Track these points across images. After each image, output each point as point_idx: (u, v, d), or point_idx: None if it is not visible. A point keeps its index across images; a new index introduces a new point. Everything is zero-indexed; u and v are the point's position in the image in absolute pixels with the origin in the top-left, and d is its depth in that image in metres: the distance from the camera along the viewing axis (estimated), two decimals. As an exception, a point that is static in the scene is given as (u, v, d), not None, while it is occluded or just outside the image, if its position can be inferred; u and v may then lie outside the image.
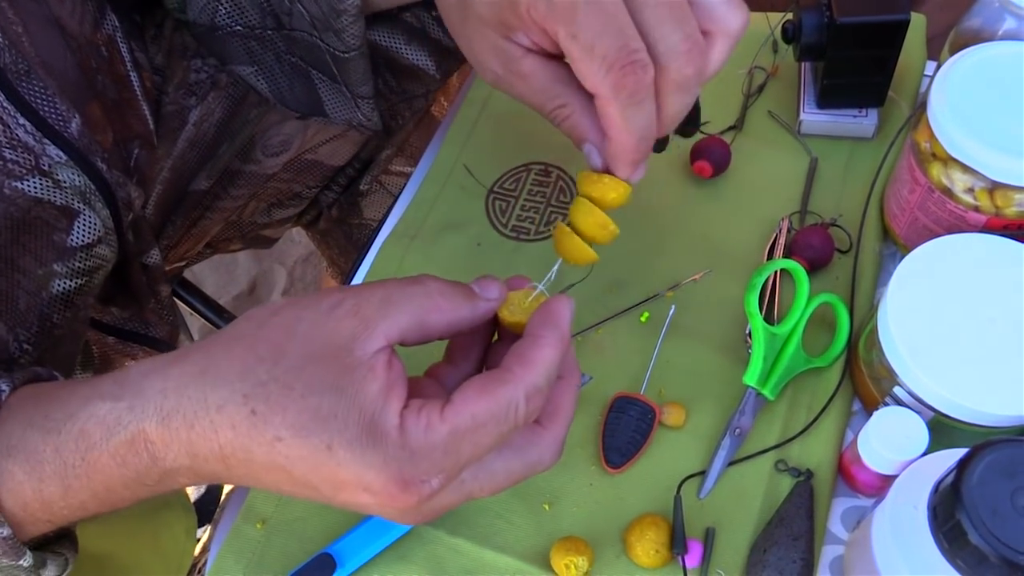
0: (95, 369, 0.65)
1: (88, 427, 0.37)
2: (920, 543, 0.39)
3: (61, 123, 0.49)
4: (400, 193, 0.67)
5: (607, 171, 0.44)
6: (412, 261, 0.61)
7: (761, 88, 0.67)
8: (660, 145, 0.51)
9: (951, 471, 0.38)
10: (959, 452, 0.39)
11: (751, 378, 0.52)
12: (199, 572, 1.16)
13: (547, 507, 0.52)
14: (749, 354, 0.53)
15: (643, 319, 0.57)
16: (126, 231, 0.57)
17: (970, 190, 0.51)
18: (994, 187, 0.50)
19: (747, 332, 0.55)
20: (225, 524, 0.54)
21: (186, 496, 0.84)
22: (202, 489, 1.32)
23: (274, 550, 0.52)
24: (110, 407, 0.37)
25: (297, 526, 0.53)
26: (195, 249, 0.80)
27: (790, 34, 0.61)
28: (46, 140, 0.48)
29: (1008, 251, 0.49)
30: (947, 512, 0.37)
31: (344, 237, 0.86)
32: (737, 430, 0.52)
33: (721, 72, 0.67)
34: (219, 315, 1.23)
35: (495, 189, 0.64)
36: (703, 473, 0.52)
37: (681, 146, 0.63)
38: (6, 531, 0.39)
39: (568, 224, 0.45)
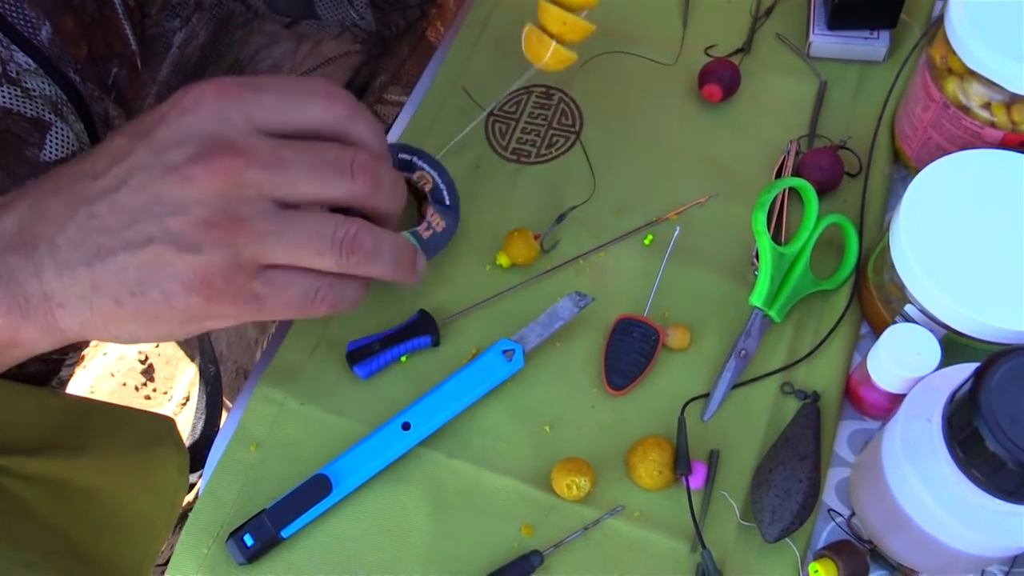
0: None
1: None
2: (932, 456, 0.39)
3: (30, 30, 0.47)
4: (395, 118, 0.65)
5: None
6: (409, 184, 0.60)
7: (770, 10, 0.65)
8: None
9: (967, 380, 0.37)
10: (971, 366, 0.38)
11: (758, 299, 0.51)
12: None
13: (548, 429, 0.51)
14: (755, 276, 0.52)
15: (647, 242, 0.56)
16: None
17: (987, 105, 0.49)
18: (1012, 101, 0.48)
19: (753, 254, 0.54)
20: (218, 447, 0.53)
21: (178, 434, 0.83)
22: (196, 433, 1.32)
23: (268, 473, 0.51)
24: None
25: (292, 449, 0.51)
26: None
27: (801, -50, 0.59)
28: (13, 46, 0.46)
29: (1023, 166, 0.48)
30: (963, 421, 0.36)
31: None
32: (743, 352, 0.51)
33: (729, -7, 0.65)
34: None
35: (495, 112, 0.62)
36: (707, 395, 0.51)
37: (689, 69, 0.62)
38: None
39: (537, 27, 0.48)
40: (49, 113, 0.48)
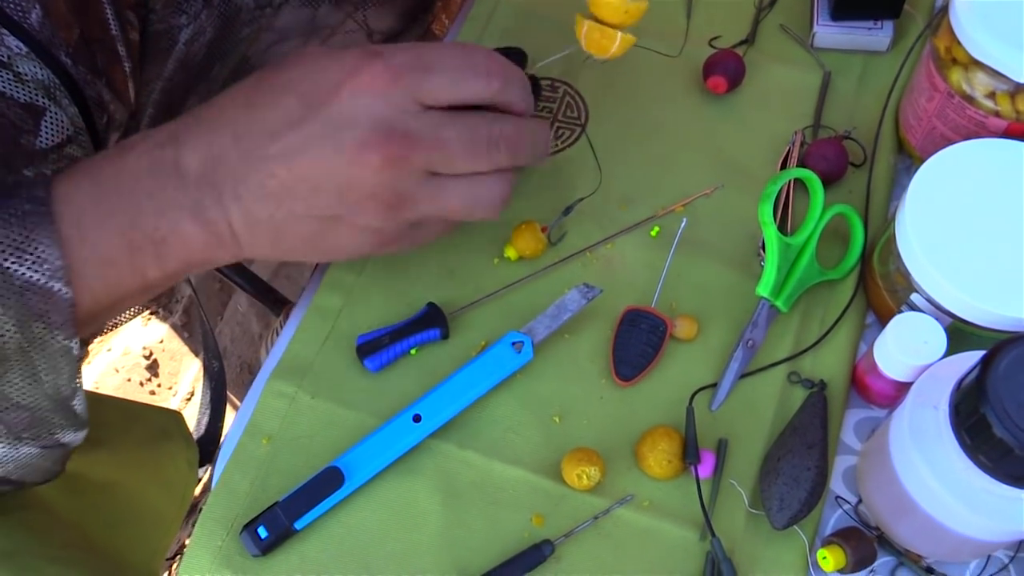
0: None
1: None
2: (940, 443, 0.39)
3: (20, 13, 0.46)
4: None
5: None
6: (416, 178, 0.60)
7: (773, 1, 0.65)
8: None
9: (975, 367, 0.37)
10: (978, 354, 0.38)
11: (764, 288, 0.51)
12: (199, 512, 1.17)
13: (557, 420, 0.51)
14: (762, 267, 0.52)
15: (653, 234, 0.56)
16: (104, 136, 0.55)
17: (991, 95, 0.49)
18: (1016, 91, 0.48)
19: (760, 245, 0.54)
20: (231, 441, 0.53)
21: (187, 428, 0.84)
22: (202, 428, 1.33)
23: (280, 465, 0.51)
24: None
25: (303, 442, 0.52)
26: None
27: (805, -59, 0.59)
28: (3, 30, 0.46)
29: (1029, 156, 0.48)
30: (970, 408, 0.37)
31: None
32: (750, 342, 0.52)
33: (733, -15, 0.65)
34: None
35: (500, 105, 0.63)
36: (715, 385, 0.51)
37: (693, 61, 0.62)
38: (68, 292, 0.41)
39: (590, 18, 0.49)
40: (42, 97, 0.48)
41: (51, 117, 0.49)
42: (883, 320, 0.52)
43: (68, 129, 0.50)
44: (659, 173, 0.59)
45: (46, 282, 0.40)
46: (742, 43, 0.64)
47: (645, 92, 0.62)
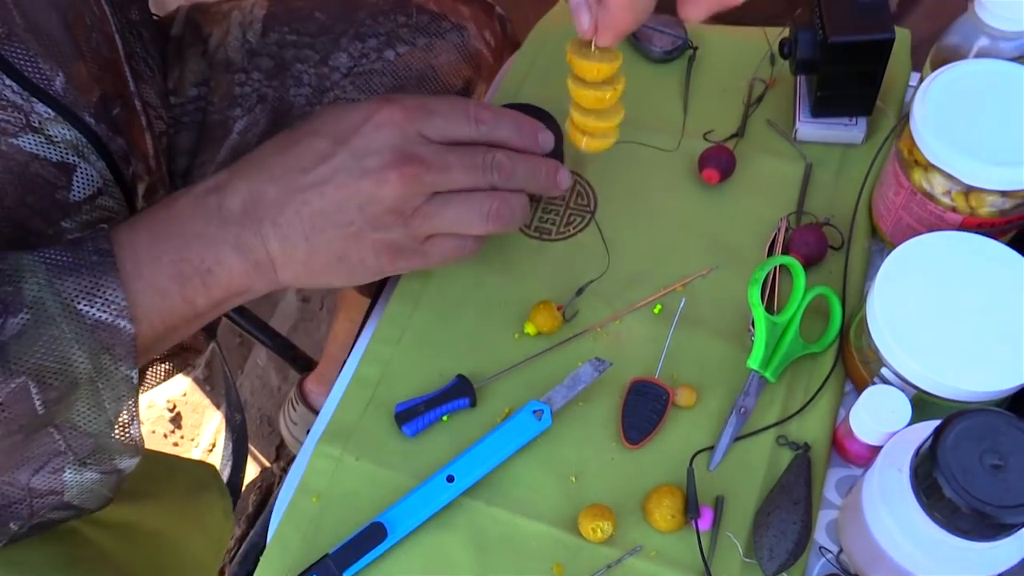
0: None
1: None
2: (904, 501, 0.46)
3: (45, 82, 0.52)
4: None
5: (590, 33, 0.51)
6: (444, 260, 0.67)
7: (760, 98, 0.73)
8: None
9: (929, 438, 0.44)
10: (936, 423, 0.45)
11: (754, 362, 0.58)
12: (231, 557, 1.22)
13: (574, 479, 0.58)
14: (752, 341, 0.59)
15: (656, 311, 0.64)
16: (132, 186, 0.60)
17: (948, 193, 0.57)
18: (968, 190, 0.56)
19: (750, 321, 0.61)
20: (283, 499, 0.60)
21: (222, 481, 0.90)
22: (224, 479, 1.38)
23: (329, 521, 0.58)
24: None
25: (350, 499, 0.59)
26: None
27: (787, 51, 0.67)
28: (33, 98, 0.52)
29: (982, 247, 0.55)
30: (926, 472, 0.44)
31: None
32: (742, 409, 0.58)
33: (724, 83, 0.74)
34: (240, 313, 1.29)
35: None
36: (712, 448, 0.58)
37: (690, 153, 0.70)
38: (131, 328, 0.47)
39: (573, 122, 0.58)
40: (72, 155, 0.54)
41: (81, 172, 0.55)
42: (859, 389, 0.59)
43: (98, 182, 0.56)
44: (661, 256, 0.66)
45: (113, 320, 0.47)
46: (733, 136, 0.71)
47: (648, 182, 0.70)
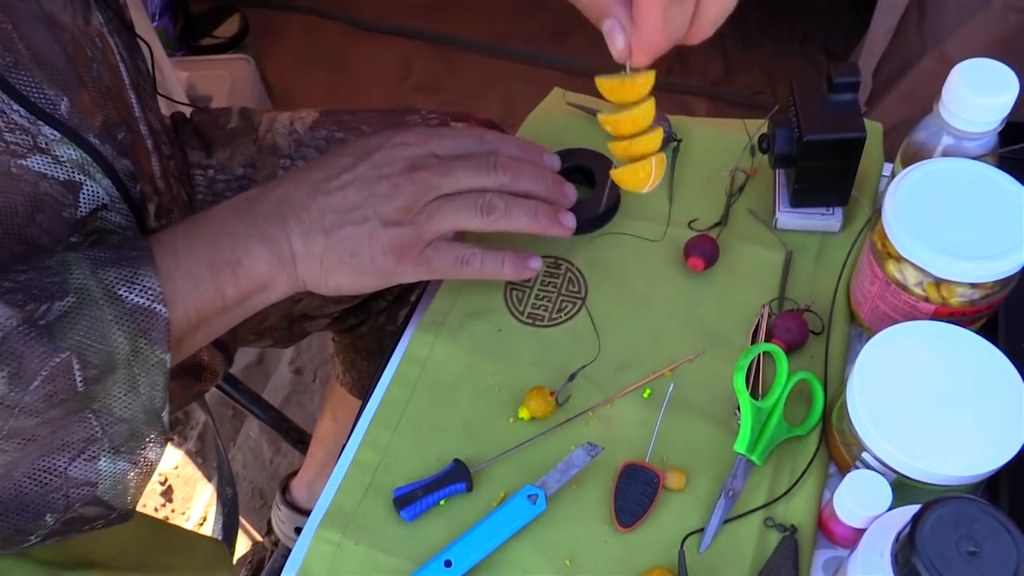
0: None
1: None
2: (886, 585, 0.48)
3: (50, 107, 0.56)
4: (421, 295, 0.75)
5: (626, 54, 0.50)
6: (441, 345, 0.70)
7: (742, 188, 0.77)
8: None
9: (908, 524, 0.46)
10: (915, 508, 0.47)
11: (741, 446, 0.60)
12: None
13: (568, 563, 0.60)
14: (739, 425, 0.62)
15: (646, 395, 0.66)
16: (140, 204, 0.63)
17: (920, 284, 0.60)
18: (939, 282, 0.59)
19: (736, 406, 0.63)
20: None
21: (231, 560, 0.91)
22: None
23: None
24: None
25: None
26: (250, 335, 0.88)
27: (765, 146, 0.71)
28: (39, 122, 0.55)
29: (954, 336, 0.58)
30: (905, 558, 0.46)
31: (375, 340, 0.94)
32: (731, 492, 0.60)
33: (707, 174, 0.77)
34: (234, 386, 1.31)
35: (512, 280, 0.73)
36: (702, 530, 0.60)
37: (676, 241, 0.73)
38: (166, 312, 0.51)
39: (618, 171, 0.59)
40: (79, 174, 0.57)
41: (88, 189, 0.58)
42: (842, 471, 0.61)
43: (104, 198, 0.60)
44: (649, 341, 0.69)
45: (149, 304, 0.51)
46: (716, 225, 0.75)
47: (636, 270, 0.73)
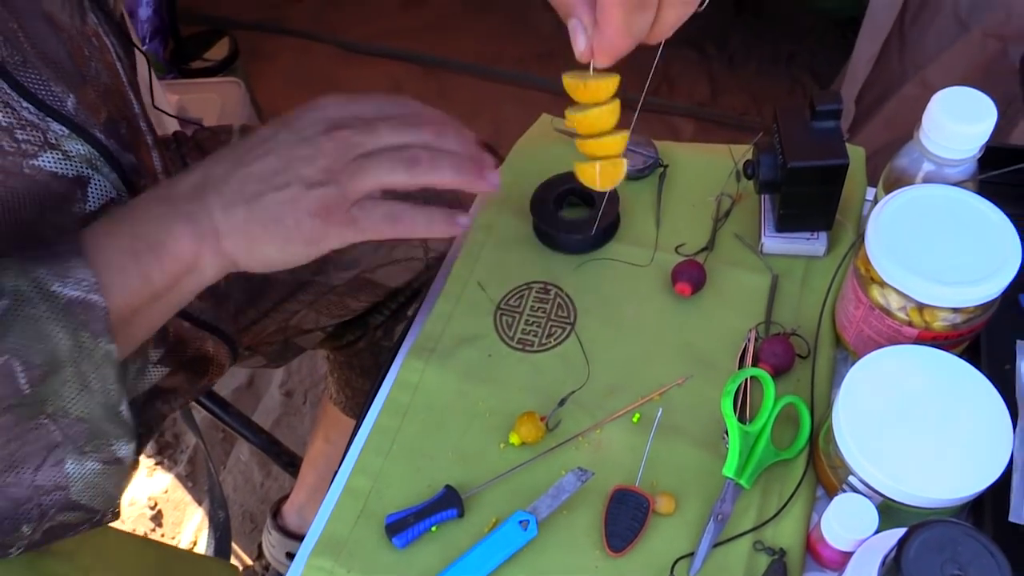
0: (168, 346, 0.71)
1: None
2: (873, 609, 0.48)
3: (58, 103, 0.57)
4: (418, 310, 0.76)
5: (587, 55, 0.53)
6: (432, 371, 0.70)
7: (728, 213, 0.78)
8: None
9: (894, 548, 0.47)
10: (901, 531, 0.48)
11: (729, 470, 0.61)
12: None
13: (559, 588, 0.60)
14: (727, 449, 0.62)
15: (635, 420, 0.67)
16: None
17: (903, 308, 0.61)
18: (922, 307, 0.60)
19: (724, 430, 0.64)
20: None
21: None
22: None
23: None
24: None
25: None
26: (244, 350, 0.88)
27: (750, 172, 0.72)
28: (48, 118, 0.56)
29: (938, 360, 0.59)
30: (892, 581, 0.46)
31: (371, 357, 0.95)
32: (720, 515, 0.61)
33: (694, 199, 0.78)
34: (224, 409, 1.31)
35: (501, 305, 0.74)
36: (692, 554, 0.60)
37: (663, 267, 0.74)
38: (103, 302, 0.50)
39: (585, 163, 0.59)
40: (87, 168, 0.58)
41: (96, 184, 0.59)
42: (830, 493, 0.62)
43: (111, 193, 0.60)
44: (638, 366, 0.69)
45: (85, 296, 0.50)
46: (703, 250, 0.76)
47: (624, 295, 0.73)
